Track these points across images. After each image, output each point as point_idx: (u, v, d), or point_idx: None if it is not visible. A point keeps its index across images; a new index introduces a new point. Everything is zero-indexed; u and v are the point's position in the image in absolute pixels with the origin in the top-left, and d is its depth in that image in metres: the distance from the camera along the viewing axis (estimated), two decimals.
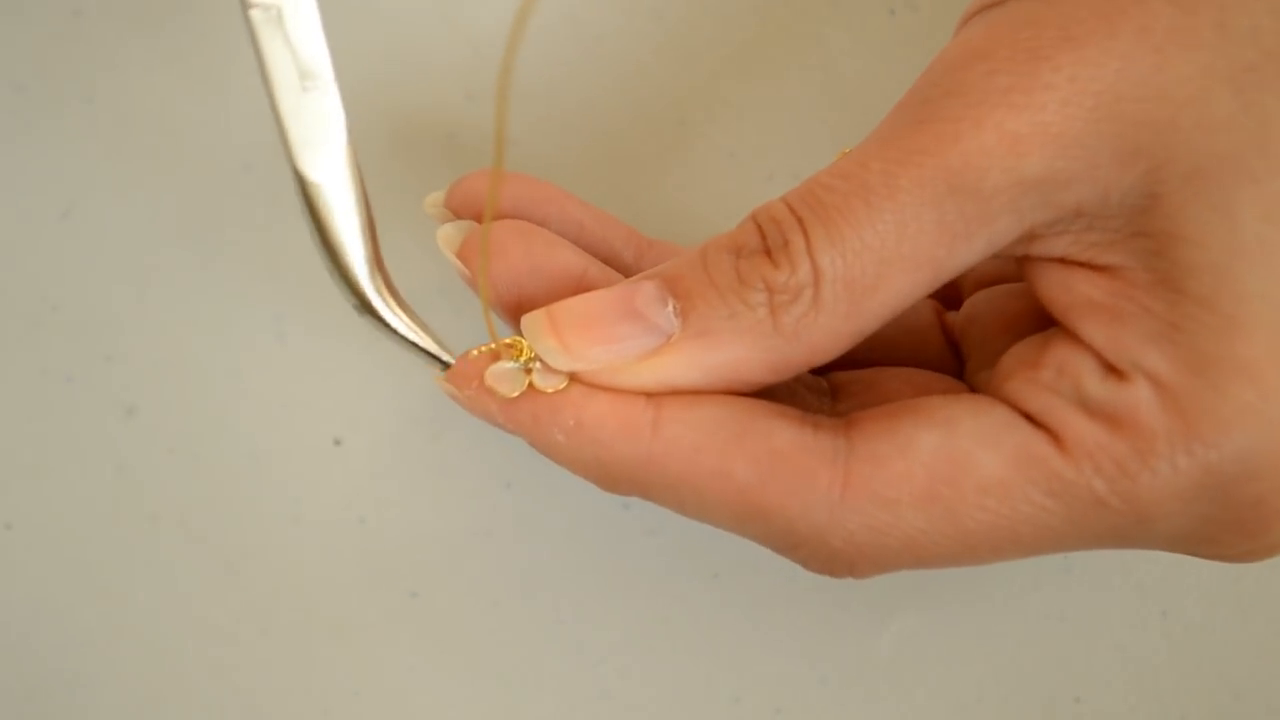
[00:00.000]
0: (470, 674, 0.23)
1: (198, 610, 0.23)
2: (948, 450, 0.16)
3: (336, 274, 0.17)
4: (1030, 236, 0.16)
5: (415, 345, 0.18)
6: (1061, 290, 0.16)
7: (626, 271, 0.20)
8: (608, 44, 0.24)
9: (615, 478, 0.17)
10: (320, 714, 0.23)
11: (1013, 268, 0.20)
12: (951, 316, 0.21)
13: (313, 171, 0.16)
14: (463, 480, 0.23)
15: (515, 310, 0.18)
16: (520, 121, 0.24)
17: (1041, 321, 0.18)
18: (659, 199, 0.24)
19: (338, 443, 0.23)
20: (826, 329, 0.16)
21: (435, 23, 0.24)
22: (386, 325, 0.17)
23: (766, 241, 0.16)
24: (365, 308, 0.17)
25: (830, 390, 0.19)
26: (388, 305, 0.17)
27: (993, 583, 0.25)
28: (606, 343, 0.17)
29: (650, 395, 0.17)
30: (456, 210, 0.20)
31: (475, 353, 0.18)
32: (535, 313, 0.17)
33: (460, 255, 0.19)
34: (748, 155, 0.24)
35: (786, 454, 0.16)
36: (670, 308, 0.16)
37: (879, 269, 0.16)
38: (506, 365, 0.17)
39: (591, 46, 0.24)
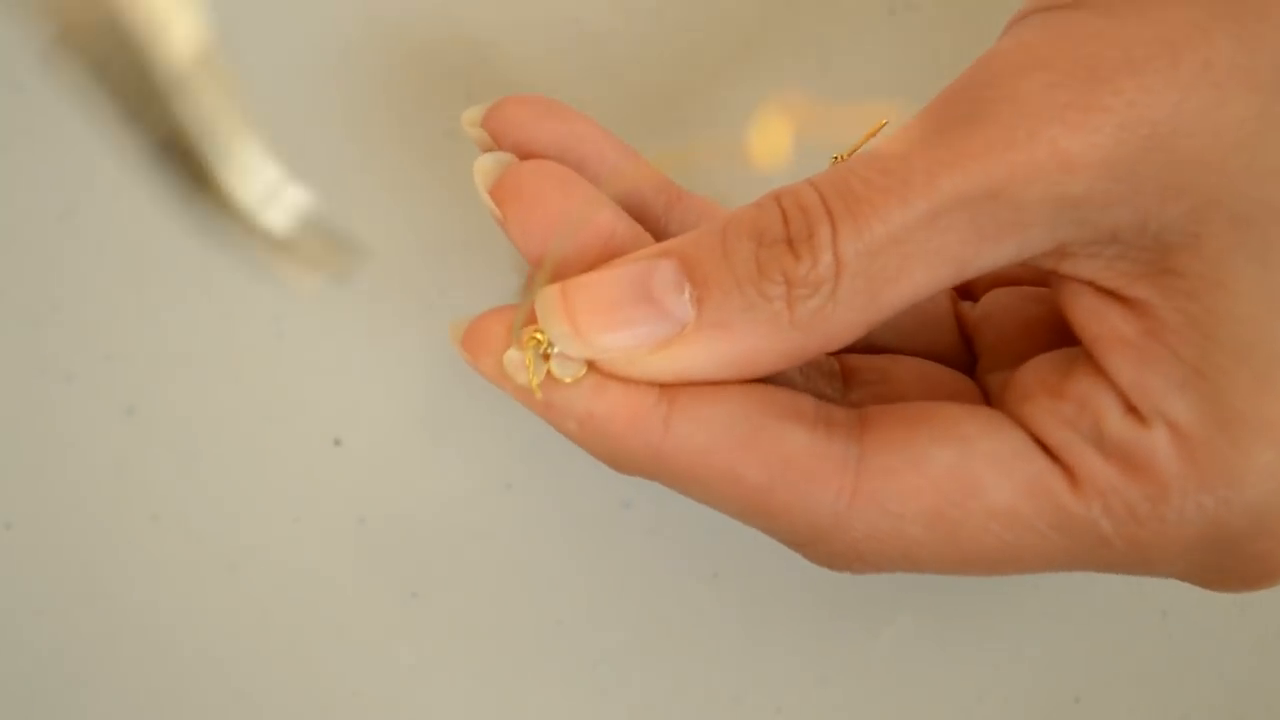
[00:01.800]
0: (470, 674, 0.23)
1: (198, 610, 0.23)
2: (960, 471, 0.16)
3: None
4: (1061, 253, 0.16)
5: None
6: (1093, 319, 0.16)
7: (655, 223, 0.20)
8: (608, 44, 0.24)
9: (626, 466, 0.17)
10: (320, 714, 0.23)
11: (1032, 270, 0.21)
12: (967, 308, 0.21)
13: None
14: (463, 480, 0.23)
15: (537, 259, 0.18)
16: None
17: (1057, 330, 0.17)
18: None
19: (338, 443, 0.23)
20: (842, 320, 0.16)
21: (435, 23, 0.24)
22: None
23: (790, 230, 0.16)
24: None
25: (842, 374, 0.19)
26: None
27: (993, 583, 0.25)
28: (620, 329, 0.16)
29: (663, 388, 0.17)
30: (494, 133, 0.19)
31: (496, 327, 0.17)
32: (550, 289, 0.17)
33: (493, 195, 0.18)
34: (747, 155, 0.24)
35: (797, 459, 0.16)
36: (686, 294, 0.16)
37: (902, 263, 0.15)
38: (519, 355, 0.17)
39: (591, 46, 0.24)
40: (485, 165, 0.18)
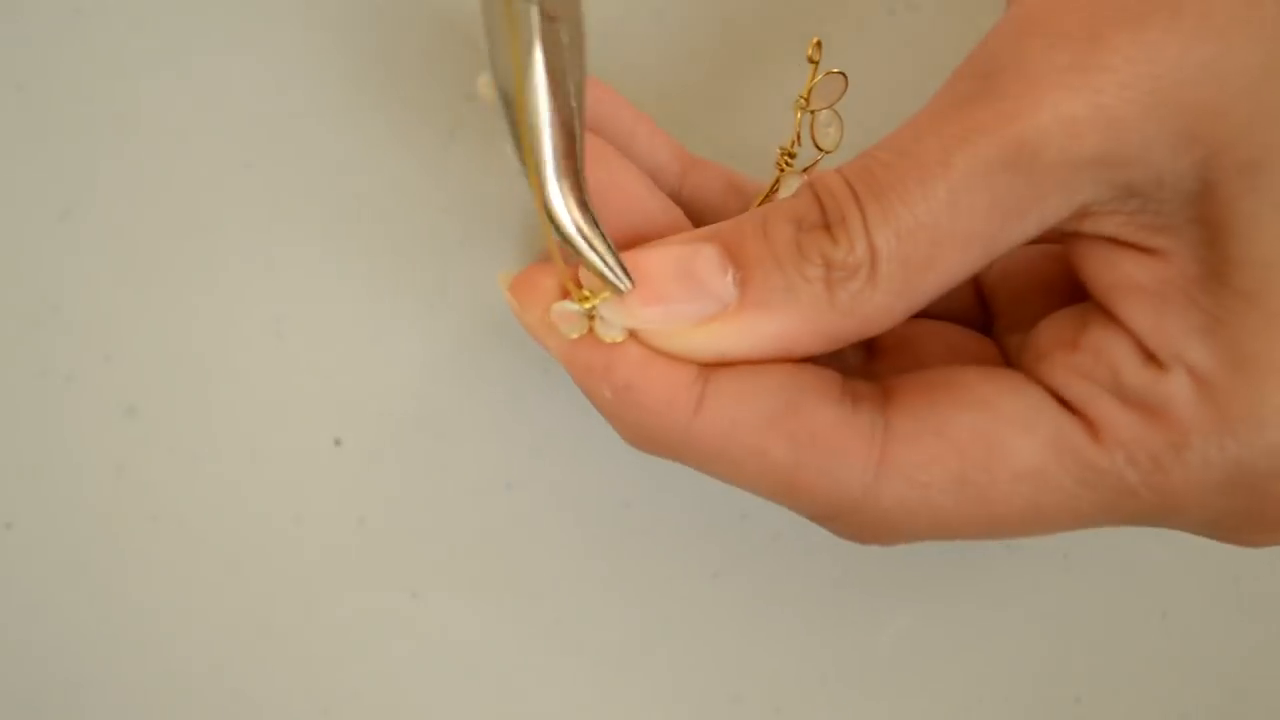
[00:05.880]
0: (470, 674, 0.23)
1: (198, 610, 0.23)
2: (983, 434, 0.16)
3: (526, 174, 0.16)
4: (1083, 214, 0.16)
5: (593, 262, 0.17)
6: (1106, 269, 0.16)
7: (670, 188, 0.20)
8: (608, 43, 0.24)
9: (652, 441, 0.17)
10: (320, 714, 0.23)
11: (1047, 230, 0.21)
12: (982, 271, 0.21)
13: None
14: (463, 480, 0.23)
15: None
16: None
17: (1071, 287, 0.18)
18: None
19: (338, 443, 0.23)
20: (881, 306, 0.16)
21: (435, 23, 0.24)
22: (564, 234, 0.16)
23: (826, 216, 0.16)
24: (545, 212, 0.16)
25: (865, 343, 0.20)
26: (569, 214, 0.16)
27: (993, 583, 0.25)
28: (664, 303, 0.17)
29: (701, 367, 0.17)
30: None
31: (547, 280, 0.18)
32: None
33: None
34: (748, 155, 0.24)
35: (824, 434, 0.17)
36: (730, 276, 0.17)
37: (932, 248, 0.16)
38: (571, 307, 0.17)
39: (591, 46, 0.24)
40: None
